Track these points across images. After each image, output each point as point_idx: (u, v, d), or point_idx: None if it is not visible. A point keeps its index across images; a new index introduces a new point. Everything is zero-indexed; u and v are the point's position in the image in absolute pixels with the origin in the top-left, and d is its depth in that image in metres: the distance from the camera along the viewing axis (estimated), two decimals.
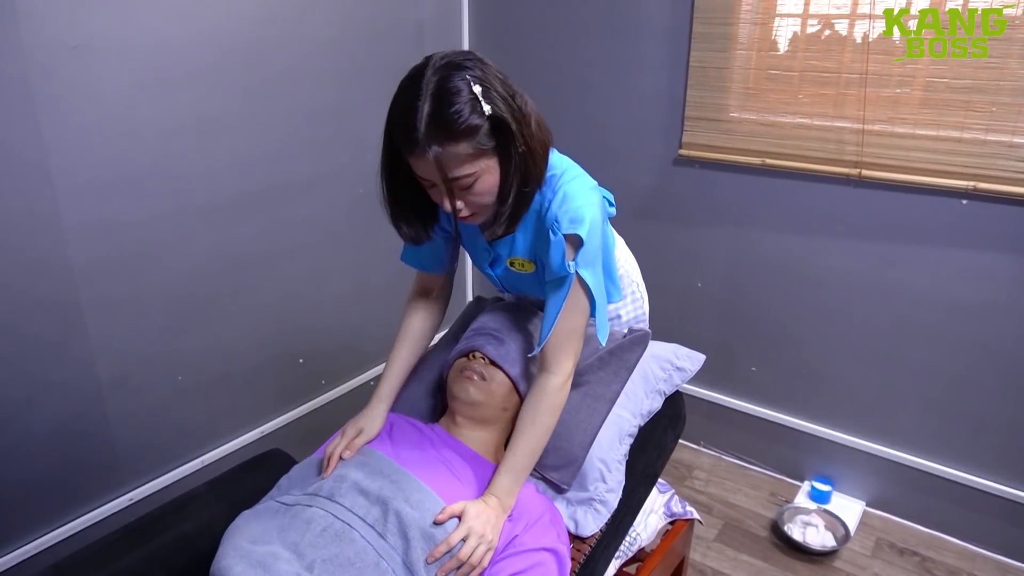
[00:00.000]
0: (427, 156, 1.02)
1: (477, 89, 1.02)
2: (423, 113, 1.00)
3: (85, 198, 1.58)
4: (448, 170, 1.04)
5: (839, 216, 2.02)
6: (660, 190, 2.31)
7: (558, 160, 1.22)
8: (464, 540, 1.08)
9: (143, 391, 1.79)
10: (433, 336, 1.44)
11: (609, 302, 1.40)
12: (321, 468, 1.24)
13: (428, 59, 1.05)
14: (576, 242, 1.14)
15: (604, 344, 1.27)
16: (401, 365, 1.38)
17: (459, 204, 1.10)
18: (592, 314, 1.22)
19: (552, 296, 1.20)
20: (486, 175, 1.08)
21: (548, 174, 1.18)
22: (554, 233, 1.15)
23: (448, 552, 1.08)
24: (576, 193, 1.16)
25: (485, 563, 1.10)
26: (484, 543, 1.10)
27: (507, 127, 1.05)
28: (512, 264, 1.29)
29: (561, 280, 1.18)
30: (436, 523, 1.09)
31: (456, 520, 1.11)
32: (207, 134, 1.79)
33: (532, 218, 1.21)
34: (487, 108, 1.02)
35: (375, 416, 1.31)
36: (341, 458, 1.23)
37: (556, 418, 1.23)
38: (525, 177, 1.11)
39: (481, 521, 1.11)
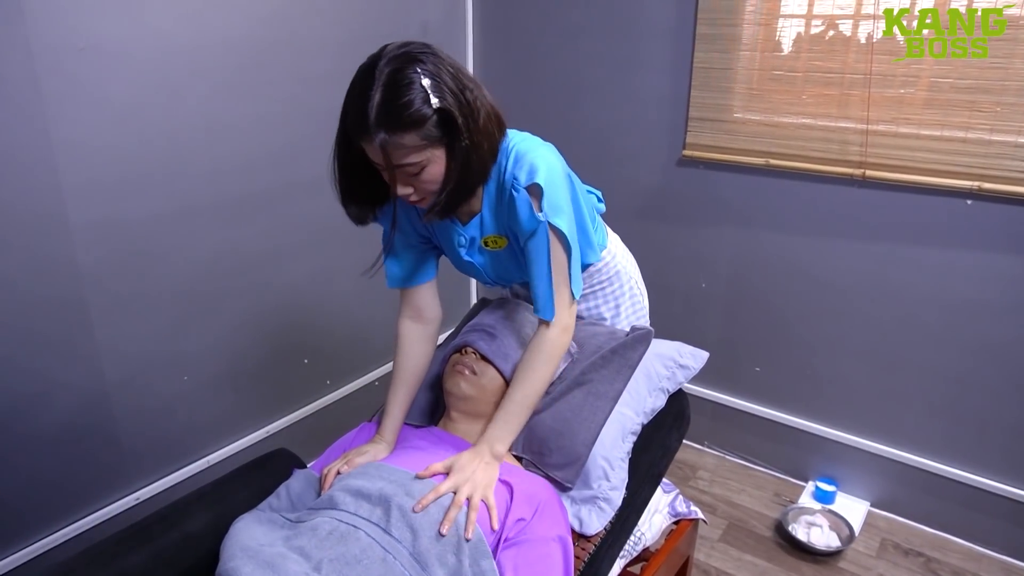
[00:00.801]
0: (375, 143, 1.05)
1: (426, 82, 1.05)
2: (374, 102, 1.03)
3: (92, 198, 1.59)
4: (394, 158, 1.07)
5: (843, 216, 2.02)
6: (664, 191, 2.32)
7: (511, 134, 1.24)
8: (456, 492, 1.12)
9: (149, 391, 1.80)
10: (428, 363, 1.44)
11: (585, 263, 1.41)
12: (319, 487, 1.26)
13: (384, 48, 1.08)
14: (537, 191, 1.17)
15: (577, 297, 1.28)
16: (401, 405, 1.39)
17: (409, 189, 1.14)
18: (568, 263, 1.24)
19: (534, 253, 1.22)
20: (432, 165, 1.11)
21: (502, 144, 1.21)
22: (516, 191, 1.18)
23: (437, 502, 1.10)
24: (527, 149, 1.20)
25: (476, 501, 1.13)
26: (479, 488, 1.14)
27: (453, 120, 1.08)
28: (487, 243, 1.31)
29: (534, 234, 1.20)
30: (418, 477, 1.15)
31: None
32: (213, 134, 1.80)
33: (493, 191, 1.24)
34: (435, 101, 1.05)
35: (379, 451, 1.32)
36: (339, 473, 1.25)
37: (551, 368, 1.26)
38: (467, 170, 1.13)
39: (467, 471, 1.15)
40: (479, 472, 1.16)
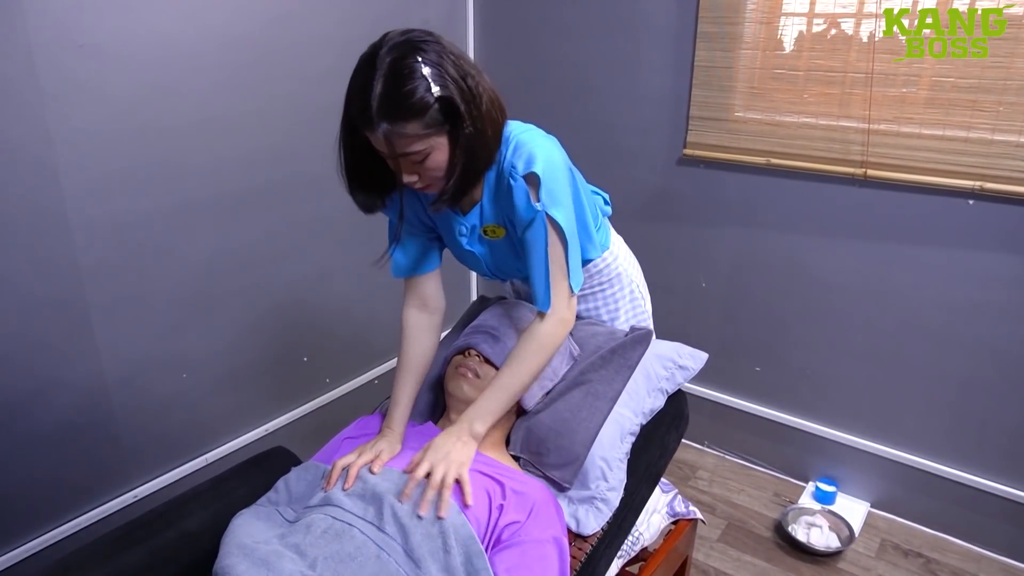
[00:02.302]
0: (378, 133, 1.06)
1: (428, 71, 1.05)
2: (376, 92, 1.03)
3: (92, 196, 1.59)
4: (398, 147, 1.08)
5: (844, 216, 2.01)
6: (665, 190, 2.31)
7: (511, 124, 1.24)
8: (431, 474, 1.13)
9: (148, 389, 1.80)
10: (434, 354, 1.44)
11: (586, 259, 1.41)
12: (320, 479, 1.25)
13: (385, 36, 1.08)
14: (534, 180, 1.17)
15: (576, 291, 1.28)
16: (409, 396, 1.37)
17: (414, 177, 1.14)
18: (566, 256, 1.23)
19: (531, 244, 1.22)
20: (435, 152, 1.11)
21: (503, 134, 1.21)
22: (514, 179, 1.19)
23: (418, 488, 1.12)
24: (527, 140, 1.20)
25: (451, 480, 1.13)
26: (452, 466, 1.14)
27: (456, 108, 1.08)
28: (486, 232, 1.31)
29: (531, 224, 1.20)
30: (404, 472, 1.16)
31: None
32: (213, 132, 1.80)
33: (493, 179, 1.24)
34: (437, 90, 1.05)
35: (393, 444, 1.29)
36: (372, 471, 1.20)
37: (542, 358, 1.25)
38: (472, 156, 1.13)
39: (443, 451, 1.16)
40: (454, 451, 1.16)
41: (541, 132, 1.25)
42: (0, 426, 1.54)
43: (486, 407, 1.23)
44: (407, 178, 1.14)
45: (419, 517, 1.08)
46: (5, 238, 1.48)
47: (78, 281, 1.61)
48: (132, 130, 1.64)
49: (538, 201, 1.18)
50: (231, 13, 1.78)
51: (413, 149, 1.09)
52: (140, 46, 1.61)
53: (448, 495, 1.11)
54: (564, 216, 1.20)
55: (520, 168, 1.18)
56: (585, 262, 1.45)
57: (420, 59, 1.05)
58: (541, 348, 1.24)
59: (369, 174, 1.20)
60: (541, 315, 1.25)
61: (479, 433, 1.22)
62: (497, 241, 1.32)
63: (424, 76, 1.04)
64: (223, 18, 1.76)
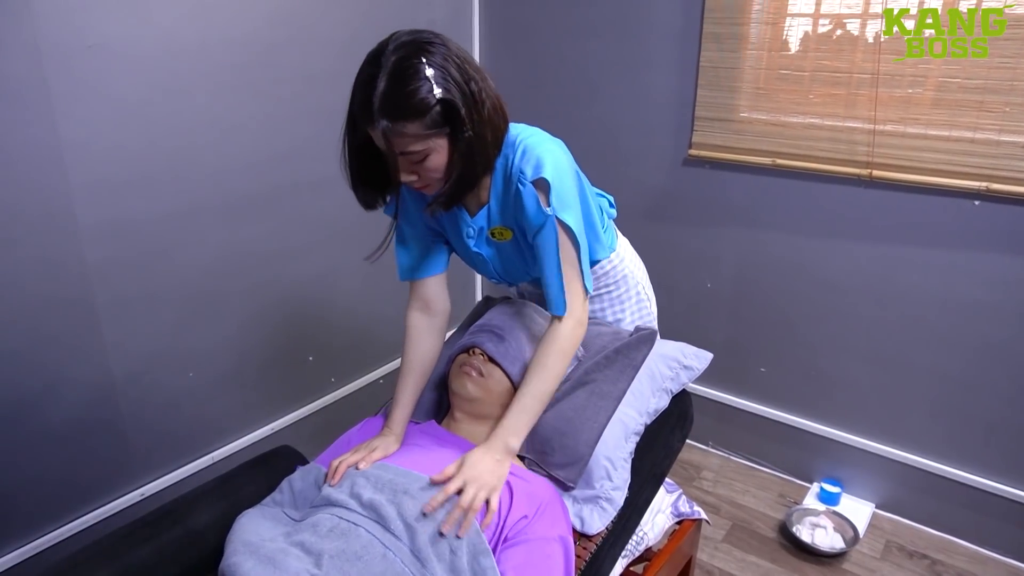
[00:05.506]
0: (378, 130, 1.07)
1: (431, 72, 1.05)
2: (378, 90, 1.04)
3: (100, 197, 1.60)
4: (397, 146, 1.09)
5: (850, 217, 2.01)
6: (670, 191, 2.31)
7: (518, 128, 1.25)
8: (462, 491, 1.12)
9: (155, 388, 1.81)
10: (437, 356, 1.44)
11: (595, 259, 1.41)
12: (322, 480, 1.25)
13: (392, 35, 1.09)
14: (544, 186, 1.18)
15: (591, 291, 1.28)
16: (410, 397, 1.38)
17: (412, 176, 1.15)
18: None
19: (543, 248, 1.22)
20: (435, 154, 1.12)
21: (509, 137, 1.22)
22: (522, 184, 1.19)
23: (447, 502, 1.10)
24: (534, 144, 1.21)
25: (485, 503, 1.12)
26: (484, 489, 1.13)
27: (456, 111, 1.08)
28: (493, 234, 1.32)
29: (542, 228, 1.21)
30: (433, 482, 1.14)
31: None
32: (220, 134, 1.81)
33: (500, 183, 1.25)
34: (439, 92, 1.06)
35: (389, 444, 1.31)
36: (358, 468, 1.22)
37: (566, 363, 1.26)
38: (470, 160, 1.14)
39: (478, 470, 1.15)
40: (488, 472, 1.15)
41: (547, 135, 1.25)
42: (9, 423, 1.55)
43: (519, 420, 1.23)
44: (405, 177, 1.15)
45: (424, 514, 1.09)
46: (14, 237, 1.49)
47: (86, 280, 1.62)
48: (140, 131, 1.65)
49: (548, 206, 1.18)
50: (238, 14, 1.78)
51: (412, 149, 1.09)
52: (148, 47, 1.62)
53: (472, 517, 1.10)
54: (574, 219, 1.20)
55: (529, 173, 1.18)
56: (593, 263, 1.45)
57: (425, 60, 1.05)
58: (562, 352, 1.25)
59: (371, 170, 1.21)
60: (558, 318, 1.25)
61: (514, 448, 1.21)
62: (504, 243, 1.32)
63: (427, 77, 1.05)
64: (230, 19, 1.77)
